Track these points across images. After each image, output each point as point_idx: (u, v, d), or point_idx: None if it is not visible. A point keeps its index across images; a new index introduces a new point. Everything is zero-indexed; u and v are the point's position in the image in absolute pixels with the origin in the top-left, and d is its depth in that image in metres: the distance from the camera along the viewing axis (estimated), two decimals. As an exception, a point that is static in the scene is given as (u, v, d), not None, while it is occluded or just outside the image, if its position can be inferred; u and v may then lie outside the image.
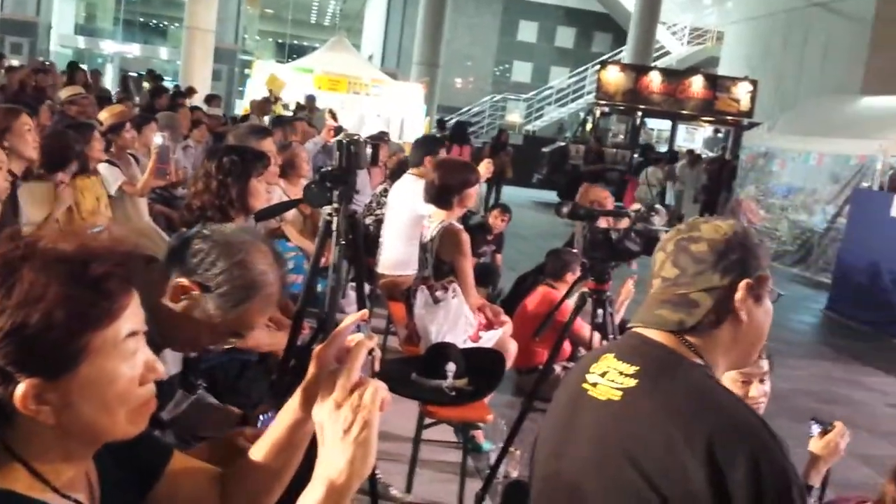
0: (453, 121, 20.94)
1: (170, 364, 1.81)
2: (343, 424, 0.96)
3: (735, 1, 23.95)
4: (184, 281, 1.56)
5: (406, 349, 3.95)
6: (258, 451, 1.23)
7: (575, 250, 4.86)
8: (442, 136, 13.12)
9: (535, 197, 18.11)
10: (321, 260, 2.87)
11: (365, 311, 1.18)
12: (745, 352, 1.50)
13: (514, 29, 32.19)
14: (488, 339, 3.80)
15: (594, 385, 1.43)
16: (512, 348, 3.97)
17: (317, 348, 1.11)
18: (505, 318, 4.02)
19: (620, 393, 1.38)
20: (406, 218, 4.69)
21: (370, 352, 1.06)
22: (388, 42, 30.54)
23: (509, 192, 16.46)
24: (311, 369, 1.10)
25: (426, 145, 5.31)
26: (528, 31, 32.34)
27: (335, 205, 2.74)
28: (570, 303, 3.36)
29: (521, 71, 32.35)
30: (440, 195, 3.90)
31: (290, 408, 1.17)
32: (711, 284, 1.42)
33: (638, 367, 1.39)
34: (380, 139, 7.29)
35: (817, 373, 6.76)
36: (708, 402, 1.32)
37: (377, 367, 1.10)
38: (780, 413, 5.11)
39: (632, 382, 1.37)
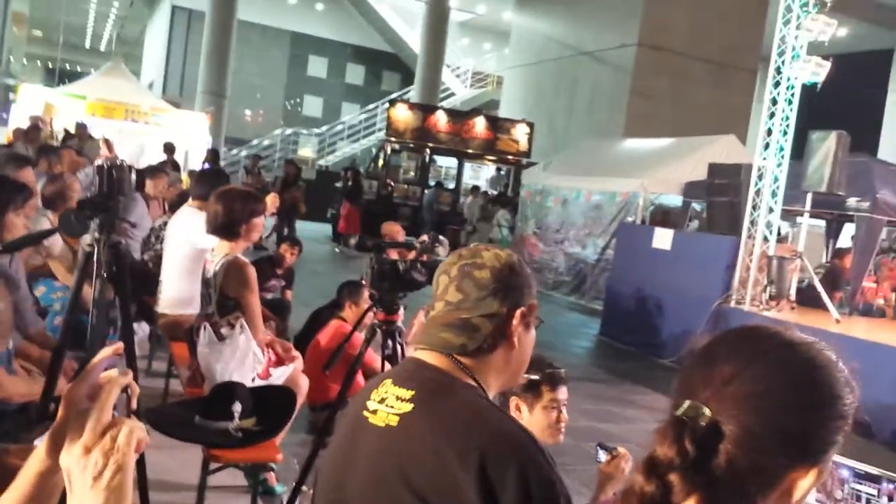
0: (243, 152, 20.43)
1: None
2: (93, 470, 0.87)
3: (511, 48, 25.52)
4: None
5: (189, 391, 3.72)
6: None
7: (363, 281, 4.87)
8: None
9: (329, 232, 18.04)
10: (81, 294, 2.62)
11: (119, 345, 1.06)
12: (514, 374, 1.57)
13: (303, 63, 32.15)
14: (278, 376, 3.67)
15: (374, 412, 1.43)
16: (304, 384, 3.87)
17: (66, 387, 0.99)
18: (295, 353, 3.92)
19: (398, 418, 1.39)
20: (186, 252, 4.46)
21: (125, 388, 0.96)
22: (169, 69, 29.32)
23: (303, 227, 16.23)
24: (60, 411, 0.98)
25: (214, 178, 5.09)
26: (317, 67, 32.43)
27: (95, 234, 2.51)
28: (362, 335, 3.33)
29: (313, 105, 32.31)
30: (225, 226, 3.73)
31: (37, 455, 1.02)
32: (492, 310, 1.48)
33: (414, 392, 1.41)
34: (158, 170, 6.91)
35: (593, 393, 7.22)
36: (480, 420, 1.35)
37: (134, 404, 0.99)
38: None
39: (408, 407, 1.39)
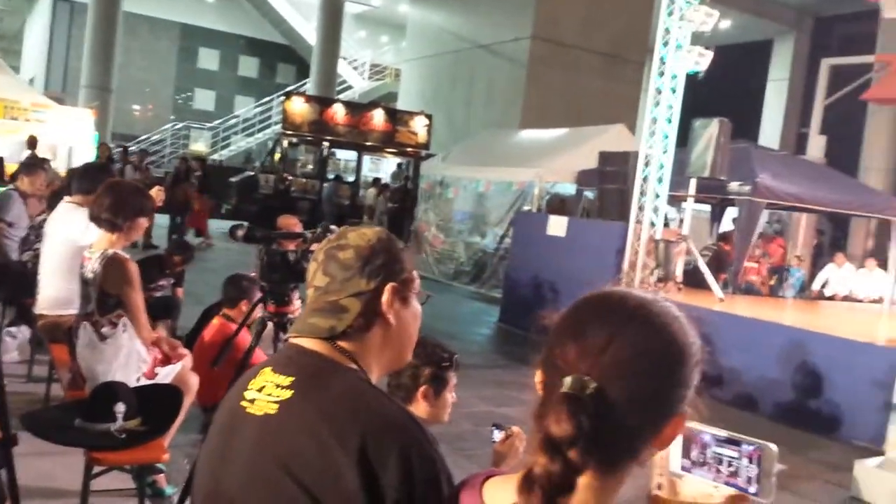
0: (131, 148, 19.67)
1: None
2: None
3: (408, 41, 25.55)
4: None
5: (70, 395, 3.57)
6: None
7: (253, 274, 4.77)
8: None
9: (224, 227, 17.60)
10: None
11: None
12: (398, 353, 1.55)
13: (193, 56, 31.23)
14: (166, 375, 3.58)
15: (252, 401, 1.39)
16: (193, 383, 3.77)
17: None
18: (183, 351, 3.82)
19: (277, 406, 1.36)
20: (65, 250, 4.26)
21: None
22: (51, 64, 27.93)
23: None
24: None
25: (98, 172, 4.85)
26: (209, 59, 31.56)
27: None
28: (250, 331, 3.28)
29: (204, 99, 31.42)
30: (110, 218, 3.58)
31: None
32: (359, 289, 1.47)
33: (293, 378, 1.38)
34: (35, 165, 6.57)
35: (492, 379, 7.34)
36: (360, 403, 1.34)
37: None
38: (462, 419, 5.48)
39: (288, 394, 1.36)
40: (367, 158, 20.15)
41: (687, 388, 1.03)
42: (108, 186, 3.70)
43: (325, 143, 18.92)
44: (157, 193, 4.13)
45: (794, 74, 25.75)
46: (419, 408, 2.41)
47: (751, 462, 1.15)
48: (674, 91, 8.62)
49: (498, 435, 2.28)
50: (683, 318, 1.05)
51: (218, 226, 17.29)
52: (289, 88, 25.45)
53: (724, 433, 1.20)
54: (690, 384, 1.03)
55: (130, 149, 19.22)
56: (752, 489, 1.14)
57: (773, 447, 1.16)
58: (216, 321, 4.80)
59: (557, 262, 9.60)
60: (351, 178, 19.53)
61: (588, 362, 0.97)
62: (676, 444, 1.20)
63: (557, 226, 10.02)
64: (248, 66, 32.28)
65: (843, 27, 22.32)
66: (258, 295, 4.56)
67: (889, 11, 9.97)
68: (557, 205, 12.00)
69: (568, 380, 0.96)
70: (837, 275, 12.70)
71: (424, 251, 14.50)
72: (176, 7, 29.76)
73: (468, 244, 13.54)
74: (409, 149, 19.64)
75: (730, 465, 1.19)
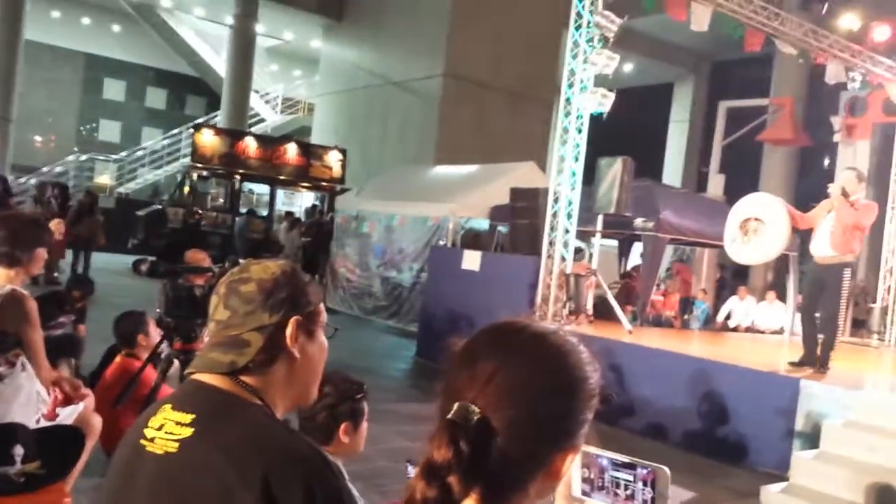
0: (32, 180, 18.91)
1: None
2: None
3: (321, 75, 25.57)
4: None
5: (-38, 439, 3.36)
6: None
7: (158, 310, 4.63)
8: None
9: (129, 262, 17.04)
10: None
11: None
12: (304, 388, 1.53)
13: (98, 86, 30.39)
14: (67, 416, 3.42)
15: (151, 440, 1.35)
16: (96, 423, 3.61)
17: None
18: (86, 391, 3.66)
19: (177, 444, 1.32)
20: (-41, 286, 4.05)
21: None
22: (-55, 92, 26.64)
23: (103, 259, 15.26)
24: None
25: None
26: (115, 90, 30.76)
27: None
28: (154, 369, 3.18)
29: (110, 130, 30.54)
30: (8, 252, 3.42)
31: None
32: (261, 323, 1.44)
33: (194, 415, 1.35)
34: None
35: (409, 413, 7.29)
36: (263, 439, 1.32)
37: None
38: (379, 455, 5.42)
39: (188, 432, 1.33)
40: (280, 192, 19.94)
41: (576, 422, 1.02)
42: (1, 221, 3.54)
43: (237, 177, 18.65)
44: (56, 226, 3.99)
45: (694, 116, 27.00)
46: (340, 445, 2.39)
47: (645, 485, 1.19)
48: (580, 130, 8.90)
49: (413, 471, 2.27)
50: (581, 352, 1.05)
51: (124, 260, 16.73)
52: (199, 121, 25.02)
53: (619, 457, 1.24)
54: (581, 418, 1.02)
55: (31, 181, 18.47)
56: None
57: (666, 469, 1.20)
58: (118, 359, 4.62)
59: (472, 295, 9.69)
60: (264, 213, 19.27)
61: (475, 390, 0.98)
62: (576, 469, 1.22)
63: (472, 260, 10.13)
64: (156, 98, 31.61)
65: (738, 71, 23.57)
66: (153, 329, 4.44)
67: (785, 48, 10.60)
68: (472, 239, 12.14)
69: (454, 407, 0.97)
70: (740, 307, 13.25)
71: (341, 286, 14.38)
72: (80, 37, 28.99)
73: (385, 279, 13.51)
74: (323, 183, 19.56)
75: (626, 488, 1.22)
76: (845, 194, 6.74)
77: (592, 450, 1.18)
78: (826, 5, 10.61)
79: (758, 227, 6.96)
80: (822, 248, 6.88)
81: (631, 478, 1.22)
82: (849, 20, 10.81)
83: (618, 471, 1.23)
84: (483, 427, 0.95)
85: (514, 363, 1.00)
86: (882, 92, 12.31)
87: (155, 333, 4.37)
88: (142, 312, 4.62)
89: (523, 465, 0.98)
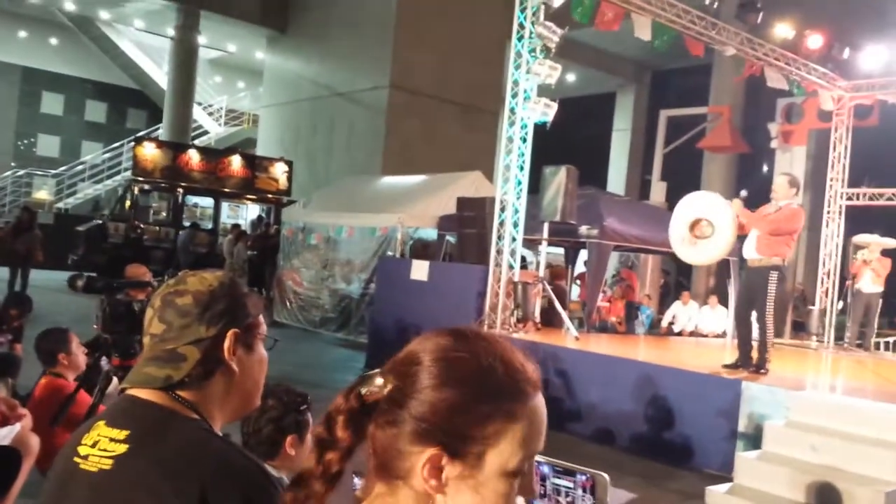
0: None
1: None
2: None
3: (265, 87, 25.34)
4: None
5: None
6: None
7: (95, 326, 4.51)
8: None
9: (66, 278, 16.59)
10: None
11: None
12: (243, 401, 1.50)
13: (36, 100, 29.62)
14: (3, 437, 3.30)
15: (85, 458, 1.33)
16: (33, 444, 3.49)
17: None
18: (23, 411, 3.54)
19: (111, 461, 1.30)
20: None
21: None
22: None
23: (41, 277, 14.84)
24: None
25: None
26: (53, 104, 30.01)
27: None
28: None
29: (48, 145, 29.77)
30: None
31: None
32: (198, 336, 1.41)
33: (129, 431, 1.32)
34: None
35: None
36: (199, 453, 1.30)
37: None
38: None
39: (123, 448, 1.30)
40: (225, 205, 19.67)
41: (460, 431, 0.95)
42: None
43: (180, 190, 18.35)
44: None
45: (636, 124, 27.51)
46: (287, 458, 2.36)
47: (585, 491, 1.19)
48: (524, 140, 8.99)
49: (359, 482, 2.26)
50: (500, 362, 0.98)
51: (63, 277, 16.29)
52: (140, 134, 24.56)
53: (560, 463, 1.23)
54: (467, 429, 0.95)
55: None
56: None
57: (604, 476, 1.20)
58: (43, 379, 4.47)
59: (422, 305, 9.68)
60: (209, 226, 18.98)
61: (389, 365, 1.00)
62: None
63: (420, 270, 10.13)
64: (96, 111, 30.93)
65: (678, 80, 24.12)
66: (76, 347, 4.32)
67: (726, 50, 10.86)
68: (420, 249, 12.15)
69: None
70: (684, 312, 13.50)
71: (288, 299, 14.23)
72: (16, 49, 28.25)
73: (333, 290, 13.41)
74: (269, 195, 19.38)
75: (567, 495, 1.22)
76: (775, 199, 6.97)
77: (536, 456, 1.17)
78: (761, 15, 10.91)
79: (707, 229, 7.10)
80: (750, 252, 7.08)
81: (571, 485, 1.22)
82: (783, 29, 11.13)
83: (559, 478, 1.23)
84: (372, 387, 0.98)
85: (427, 350, 0.98)
86: (817, 99, 12.73)
87: (78, 351, 4.25)
88: (63, 330, 4.48)
89: (389, 448, 0.97)
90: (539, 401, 1.00)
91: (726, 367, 7.24)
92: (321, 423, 1.01)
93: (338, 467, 1.00)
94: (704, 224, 7.12)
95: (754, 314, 7.22)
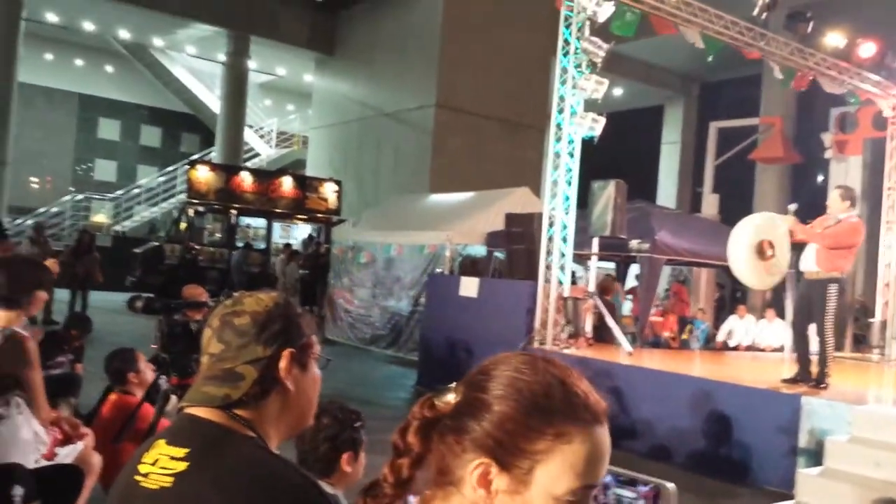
0: (28, 221, 18.94)
1: None
2: None
3: (314, 109, 25.76)
4: None
5: (-39, 482, 3.35)
6: None
7: (154, 346, 4.62)
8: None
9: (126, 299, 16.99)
10: None
11: None
12: (297, 419, 1.53)
13: (93, 126, 30.56)
14: (66, 455, 3.41)
15: (146, 475, 1.35)
16: (95, 462, 3.60)
17: None
18: (85, 430, 3.65)
19: (171, 479, 1.32)
20: (-43, 329, 4.05)
21: None
22: (-60, 137, 26.81)
23: (100, 298, 15.23)
24: None
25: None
26: (109, 129, 30.92)
27: None
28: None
29: (106, 170, 30.65)
30: (8, 296, 3.43)
31: None
32: (255, 356, 1.44)
33: (188, 449, 1.34)
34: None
35: (410, 444, 7.24)
36: (257, 472, 1.32)
37: None
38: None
39: (182, 466, 1.32)
40: (277, 225, 19.99)
41: (506, 443, 1.02)
42: (0, 265, 3.56)
43: (233, 211, 18.69)
44: (52, 265, 3.99)
45: (685, 137, 27.18)
46: (342, 475, 2.38)
47: (646, 501, 1.18)
48: (571, 155, 8.95)
49: (413, 501, 2.26)
50: (559, 384, 1.04)
51: (121, 298, 16.70)
52: (194, 157, 25.13)
53: (623, 472, 1.22)
54: (515, 443, 1.02)
55: (27, 222, 18.50)
56: None
57: (670, 486, 1.19)
58: (113, 396, 4.60)
59: (471, 322, 9.68)
60: (261, 246, 19.29)
61: (460, 381, 1.09)
62: None
63: (469, 286, 10.13)
64: (151, 136, 31.77)
65: (727, 92, 23.80)
66: (144, 365, 4.43)
67: (776, 73, 10.74)
68: (469, 266, 12.16)
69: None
70: (740, 326, 13.22)
71: (339, 317, 14.36)
72: (74, 78, 29.19)
73: (383, 308, 13.49)
74: (319, 215, 19.61)
75: None
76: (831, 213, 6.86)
77: None
78: (811, 24, 10.71)
79: (769, 250, 7.00)
80: (808, 264, 6.94)
81: (634, 495, 1.21)
82: (835, 38, 10.92)
83: (621, 488, 1.22)
84: (444, 403, 1.06)
85: (491, 371, 1.07)
86: (872, 107, 12.42)
87: (146, 370, 4.36)
88: (131, 350, 4.61)
89: (447, 453, 1.05)
90: (599, 432, 1.04)
91: (785, 381, 7.08)
92: (397, 431, 1.08)
93: (407, 473, 1.07)
94: (767, 245, 7.01)
95: (813, 327, 7.06)
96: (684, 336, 12.40)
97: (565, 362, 1.09)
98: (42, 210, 25.11)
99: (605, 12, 8.92)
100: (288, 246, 18.60)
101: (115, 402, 4.52)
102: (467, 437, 1.03)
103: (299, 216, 19.80)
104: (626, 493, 1.18)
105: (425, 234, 12.75)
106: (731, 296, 17.85)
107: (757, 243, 7.04)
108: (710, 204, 17.79)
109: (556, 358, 1.10)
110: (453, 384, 1.08)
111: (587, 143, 9.05)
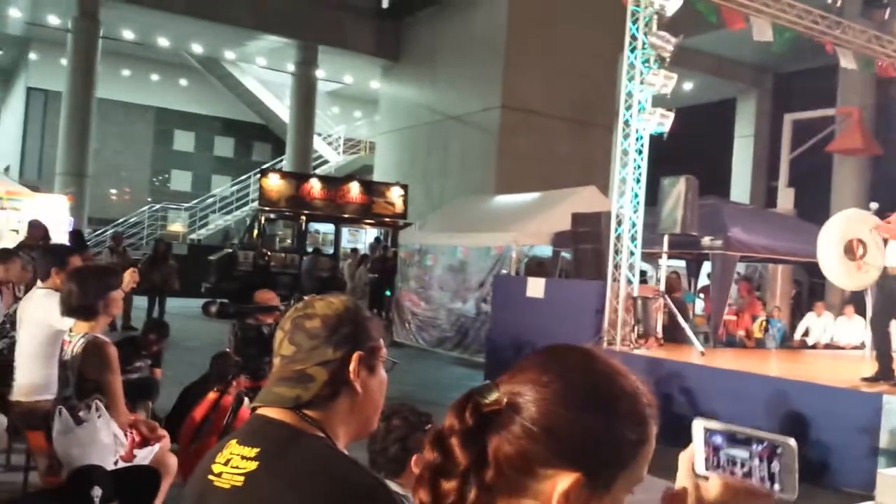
0: (108, 232, 19.70)
1: None
2: None
3: (381, 114, 26.05)
4: None
5: (47, 481, 3.51)
6: None
7: (228, 349, 4.75)
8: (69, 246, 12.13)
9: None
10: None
11: None
12: (365, 421, 1.56)
13: (169, 138, 31.57)
14: (144, 457, 3.53)
15: (219, 475, 1.39)
16: (172, 463, 3.71)
17: None
18: (162, 432, 3.77)
19: (243, 478, 1.35)
20: (41, 336, 4.23)
21: None
22: (26, 152, 28.14)
23: (177, 304, 15.71)
24: None
25: (52, 255, 4.87)
26: (184, 141, 31.90)
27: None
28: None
29: (181, 180, 31.63)
30: (82, 307, 3.59)
31: None
32: (326, 358, 1.48)
33: (259, 449, 1.38)
34: (11, 253, 6.55)
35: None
36: (327, 471, 1.35)
37: None
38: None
39: (253, 465, 1.36)
40: (345, 230, 20.28)
41: (589, 450, 0.92)
42: (70, 277, 3.70)
43: (303, 218, 19.06)
44: (131, 275, 4.12)
45: (759, 130, 26.40)
46: (412, 476, 2.40)
47: (761, 461, 1.09)
48: (640, 152, 8.82)
49: None
50: (632, 391, 0.96)
51: (198, 304, 17.21)
52: (265, 166, 25.72)
53: (739, 430, 1.11)
54: (597, 449, 0.92)
55: (107, 233, 19.22)
56: (776, 487, 1.07)
57: (791, 442, 1.09)
58: (211, 395, 4.73)
59: (538, 323, 9.62)
60: (330, 251, 19.61)
61: (506, 378, 0.95)
62: (700, 446, 1.11)
63: (536, 287, 10.08)
64: (224, 146, 32.64)
65: (802, 82, 23.01)
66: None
67: (846, 63, 10.37)
68: (535, 267, 12.09)
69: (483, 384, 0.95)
70: (818, 323, 12.79)
71: (406, 320, 14.47)
72: (150, 92, 30.20)
73: (450, 310, 13.53)
74: (386, 219, 19.83)
75: (742, 465, 1.12)
76: None
77: (707, 423, 1.10)
78: (888, 10, 10.30)
79: (860, 248, 6.78)
80: (892, 260, 6.66)
81: (747, 454, 1.11)
82: (914, 24, 10.49)
83: (733, 447, 1.11)
84: (494, 407, 0.90)
85: (550, 370, 0.95)
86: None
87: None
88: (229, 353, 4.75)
89: (513, 464, 0.90)
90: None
91: (865, 380, 6.81)
92: (431, 449, 0.92)
93: (454, 498, 0.89)
94: (856, 244, 6.78)
95: (894, 324, 6.78)
96: (758, 334, 12.06)
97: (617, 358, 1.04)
98: (121, 220, 26.06)
99: (673, 6, 8.76)
100: (356, 250, 18.84)
101: (211, 401, 4.64)
102: (542, 445, 0.89)
103: (367, 221, 20.06)
104: (739, 451, 1.09)
105: (491, 236, 12.74)
106: (809, 292, 17.28)
107: (846, 243, 6.81)
108: (786, 198, 17.23)
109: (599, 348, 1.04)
110: (487, 382, 0.94)
111: (656, 139, 8.90)
